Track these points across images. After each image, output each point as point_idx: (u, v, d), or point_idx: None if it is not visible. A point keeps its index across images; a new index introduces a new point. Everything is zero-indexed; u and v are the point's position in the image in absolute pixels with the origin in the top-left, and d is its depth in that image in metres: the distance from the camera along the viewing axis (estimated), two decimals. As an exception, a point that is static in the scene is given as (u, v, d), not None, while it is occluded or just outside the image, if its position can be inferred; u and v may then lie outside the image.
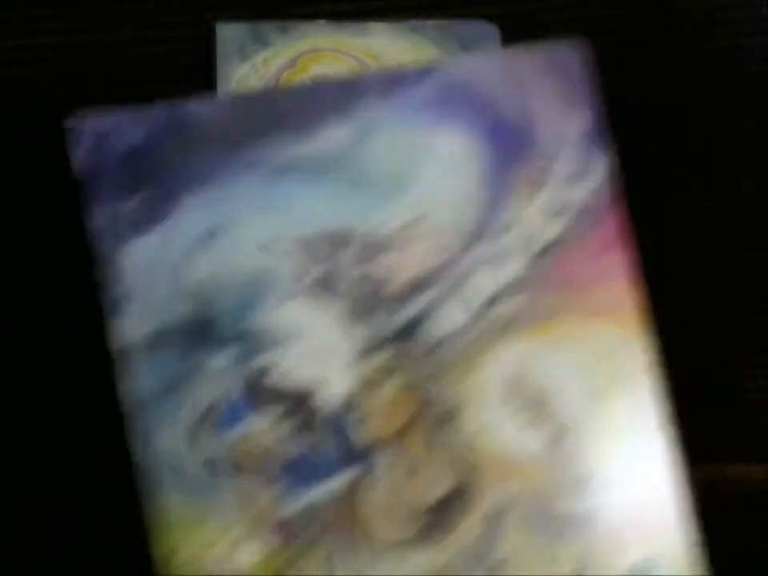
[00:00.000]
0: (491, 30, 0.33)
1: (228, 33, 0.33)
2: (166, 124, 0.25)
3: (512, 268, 0.25)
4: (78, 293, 0.34)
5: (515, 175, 0.25)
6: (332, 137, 0.25)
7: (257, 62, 0.33)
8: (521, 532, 0.24)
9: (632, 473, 0.24)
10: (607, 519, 0.24)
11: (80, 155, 0.24)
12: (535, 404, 0.24)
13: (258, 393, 0.24)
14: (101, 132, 0.25)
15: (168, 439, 0.24)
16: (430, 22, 0.33)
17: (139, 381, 0.24)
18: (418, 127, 0.25)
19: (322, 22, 0.33)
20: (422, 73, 0.25)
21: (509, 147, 0.25)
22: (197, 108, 0.25)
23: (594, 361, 0.24)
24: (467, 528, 0.24)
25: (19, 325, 0.34)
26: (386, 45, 0.33)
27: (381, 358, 0.24)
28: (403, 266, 0.24)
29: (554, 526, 0.24)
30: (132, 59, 0.33)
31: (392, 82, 0.25)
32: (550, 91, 0.25)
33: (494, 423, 0.24)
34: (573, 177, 0.25)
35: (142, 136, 0.24)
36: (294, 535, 0.24)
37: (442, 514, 0.24)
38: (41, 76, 0.33)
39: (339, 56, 0.33)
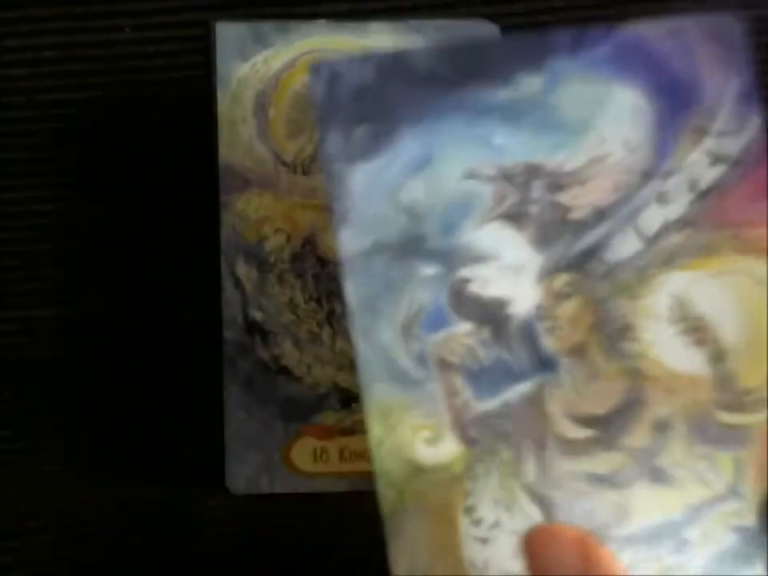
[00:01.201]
0: (491, 30, 0.33)
1: (228, 33, 0.33)
2: (391, 67, 0.28)
3: (677, 206, 0.28)
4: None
5: (681, 126, 0.28)
6: (527, 84, 0.28)
7: (257, 62, 0.33)
8: (684, 442, 0.27)
9: None
10: (763, 436, 0.27)
11: (318, 91, 0.28)
12: (697, 327, 0.27)
13: (460, 300, 0.27)
14: (336, 72, 0.28)
15: (385, 335, 0.27)
16: (429, 22, 0.33)
17: (360, 284, 0.27)
18: (599, 80, 0.28)
19: (322, 21, 0.33)
20: (603, 33, 0.28)
21: (676, 101, 0.28)
22: (416, 54, 0.28)
23: (747, 292, 0.27)
24: (638, 434, 0.27)
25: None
26: (386, 45, 0.33)
27: (564, 277, 0.28)
28: (585, 197, 0.28)
29: (715, 436, 0.27)
30: (132, 59, 0.33)
31: (577, 40, 0.28)
32: (711, 55, 0.28)
33: (661, 340, 0.27)
34: (730, 131, 0.28)
35: (371, 76, 0.28)
36: (490, 428, 0.27)
37: (617, 419, 0.27)
38: (41, 76, 0.33)
39: (339, 56, 0.33)
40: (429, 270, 0.27)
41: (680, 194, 0.28)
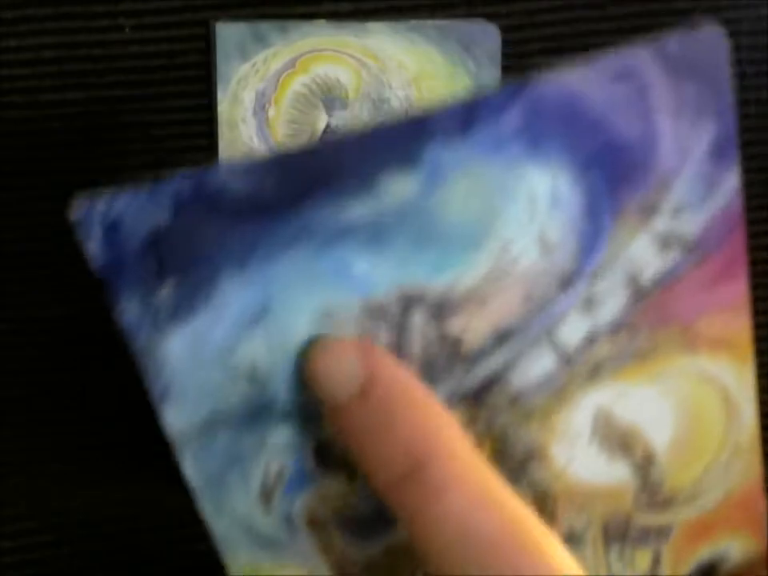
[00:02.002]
0: (491, 30, 0.33)
1: (228, 33, 0.33)
2: (193, 198, 0.20)
3: (608, 309, 0.22)
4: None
5: (622, 204, 0.22)
6: (395, 190, 0.21)
7: (257, 62, 0.33)
8: (597, 546, 0.24)
9: (717, 491, 0.24)
10: (685, 528, 0.24)
11: (94, 248, 0.21)
12: (623, 439, 0.23)
13: (327, 455, 0.23)
14: (114, 217, 0.21)
15: (240, 506, 0.23)
16: (429, 22, 0.33)
17: (201, 462, 0.22)
18: (503, 164, 0.21)
19: (322, 21, 0.33)
20: (508, 96, 0.21)
21: (617, 171, 0.21)
22: (227, 174, 0.20)
23: (688, 393, 0.23)
24: None
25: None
26: (385, 45, 0.33)
27: (459, 412, 0.22)
28: (484, 320, 0.22)
29: (634, 538, 0.24)
30: (132, 59, 0.33)
31: (468, 114, 0.21)
32: (679, 94, 0.21)
33: (579, 458, 0.23)
34: (691, 203, 0.22)
35: (165, 215, 0.21)
36: (375, 570, 0.23)
37: None
38: (41, 76, 0.33)
39: (339, 56, 0.33)
40: (284, 435, 0.22)
41: (613, 295, 0.22)
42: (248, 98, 0.33)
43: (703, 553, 0.25)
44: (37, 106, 0.33)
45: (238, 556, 0.23)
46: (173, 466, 0.34)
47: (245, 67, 0.33)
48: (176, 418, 0.22)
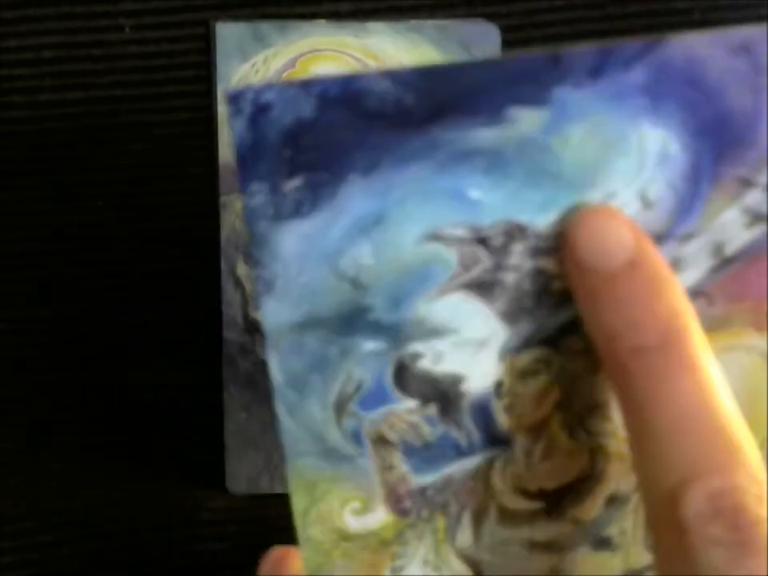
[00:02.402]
0: (491, 30, 0.33)
1: (228, 33, 0.33)
2: (339, 97, 0.22)
3: (692, 274, 0.23)
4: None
5: (721, 174, 0.23)
6: (523, 122, 0.22)
7: (257, 62, 0.33)
8: (637, 513, 0.24)
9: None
10: None
11: (237, 129, 0.22)
12: None
13: (407, 377, 0.23)
14: (263, 103, 0.22)
15: (314, 412, 0.23)
16: (429, 22, 0.33)
17: (287, 361, 0.23)
18: (621, 116, 0.22)
19: (322, 21, 0.33)
20: (639, 51, 0.22)
21: (723, 141, 0.22)
22: (373, 81, 0.22)
23: (752, 371, 0.24)
24: (588, 507, 0.24)
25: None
26: (385, 45, 0.33)
27: (534, 353, 0.23)
28: None
29: None
30: (132, 59, 0.33)
31: (601, 63, 0.22)
32: None
33: None
34: None
35: (311, 110, 0.22)
36: (426, 500, 0.24)
37: (569, 494, 0.24)
38: (41, 76, 0.33)
39: (339, 56, 0.33)
40: (371, 345, 0.23)
41: (698, 261, 0.23)
42: (248, 97, 0.33)
43: None
44: (37, 105, 0.33)
45: (299, 463, 0.24)
46: (173, 466, 0.34)
47: (245, 67, 0.33)
48: (274, 313, 0.23)
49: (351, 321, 0.23)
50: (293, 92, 0.22)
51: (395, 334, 0.23)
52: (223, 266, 0.33)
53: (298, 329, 0.23)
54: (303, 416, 0.23)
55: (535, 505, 0.24)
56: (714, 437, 0.21)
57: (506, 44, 0.34)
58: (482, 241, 0.23)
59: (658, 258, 0.22)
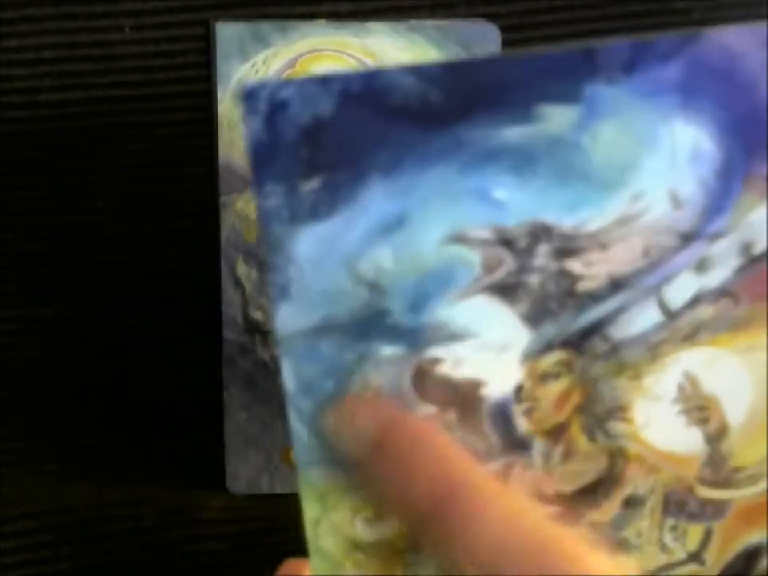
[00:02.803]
0: (491, 30, 0.33)
1: (228, 33, 0.33)
2: (360, 93, 0.21)
3: (718, 274, 0.23)
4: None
5: (752, 172, 0.22)
6: (551, 120, 0.21)
7: (257, 62, 0.33)
8: (655, 516, 0.24)
9: None
10: (740, 509, 0.24)
11: (253, 127, 0.21)
12: (703, 406, 0.24)
13: (425, 382, 0.23)
14: (280, 100, 0.21)
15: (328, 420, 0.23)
16: (429, 22, 0.33)
17: (301, 367, 0.22)
18: (654, 113, 0.21)
19: (322, 21, 0.33)
20: (674, 46, 0.21)
21: (754, 138, 0.22)
22: (396, 76, 0.21)
23: None
24: (606, 510, 0.24)
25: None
26: (385, 45, 0.33)
27: (556, 356, 0.23)
28: (604, 265, 0.23)
29: (691, 511, 0.24)
30: (132, 59, 0.33)
31: (636, 57, 0.21)
32: None
33: (657, 421, 0.24)
34: None
35: (330, 107, 0.21)
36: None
37: (586, 497, 0.24)
38: (41, 76, 0.33)
39: (339, 56, 0.33)
40: (389, 350, 0.22)
41: (726, 261, 0.23)
42: (248, 97, 0.33)
43: (753, 537, 0.25)
44: (37, 105, 0.33)
45: (311, 472, 0.23)
46: (173, 466, 0.34)
47: (245, 67, 0.33)
48: (288, 319, 0.22)
49: (369, 325, 0.22)
50: (312, 88, 0.21)
51: (414, 338, 0.22)
52: (223, 266, 0.33)
53: (312, 334, 0.22)
54: (316, 424, 0.23)
55: (552, 509, 0.24)
56: (537, 552, 0.21)
57: (506, 44, 0.34)
58: (507, 242, 0.22)
59: (409, 429, 0.22)
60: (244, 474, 0.33)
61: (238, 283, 0.33)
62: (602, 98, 0.21)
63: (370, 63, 0.33)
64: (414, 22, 0.33)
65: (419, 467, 0.22)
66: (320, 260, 0.22)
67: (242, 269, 0.33)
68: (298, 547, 0.32)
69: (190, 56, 0.33)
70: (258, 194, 0.21)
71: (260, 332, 0.33)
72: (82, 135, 0.33)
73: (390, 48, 0.33)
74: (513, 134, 0.21)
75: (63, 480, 0.34)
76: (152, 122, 0.33)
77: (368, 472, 0.22)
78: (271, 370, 0.33)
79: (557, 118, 0.21)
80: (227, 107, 0.33)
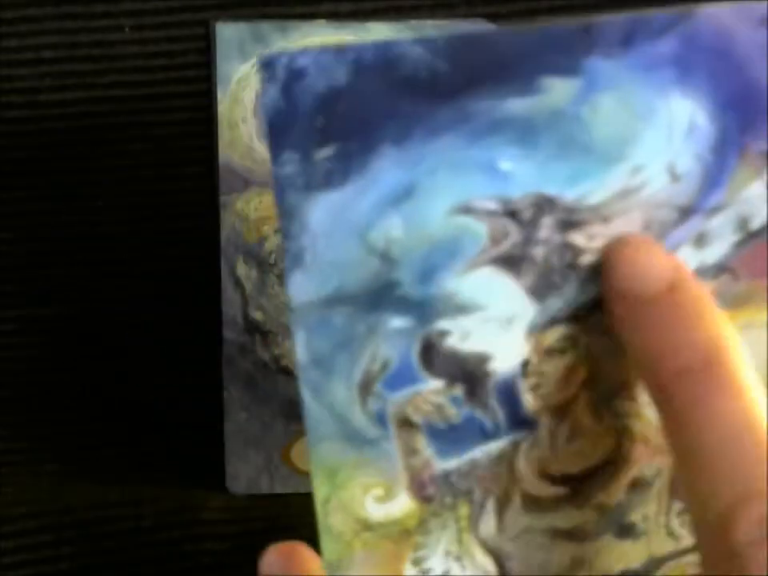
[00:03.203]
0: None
1: (228, 33, 0.33)
2: (372, 64, 0.21)
3: (716, 249, 0.23)
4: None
5: (747, 147, 0.23)
6: (553, 93, 0.22)
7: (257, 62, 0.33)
8: (661, 499, 0.24)
9: None
10: None
11: (271, 94, 0.21)
12: None
13: (433, 356, 0.23)
14: (297, 69, 0.21)
15: (338, 393, 0.23)
16: (429, 22, 0.33)
17: (313, 338, 0.23)
18: (651, 87, 0.22)
19: (322, 21, 0.33)
20: (669, 21, 0.22)
21: (748, 114, 0.23)
22: (407, 48, 0.21)
23: None
24: (612, 492, 0.24)
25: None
26: (385, 45, 0.33)
27: (560, 330, 0.23)
28: (605, 237, 0.23)
29: None
30: (132, 59, 0.33)
31: (630, 31, 0.22)
32: None
33: None
34: None
35: (345, 76, 0.21)
36: (450, 486, 0.24)
37: (593, 478, 0.24)
38: (41, 76, 0.33)
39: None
40: (398, 322, 0.23)
41: (724, 235, 0.23)
42: (248, 98, 0.33)
43: None
44: (37, 105, 0.33)
45: (322, 447, 0.23)
46: (173, 466, 0.34)
47: (245, 67, 0.33)
48: (301, 289, 0.22)
49: (379, 296, 0.23)
50: (327, 58, 0.21)
51: (423, 310, 0.23)
52: (223, 266, 0.33)
53: (325, 305, 0.23)
54: (327, 397, 0.23)
55: (559, 490, 0.24)
56: (758, 460, 0.21)
57: (506, 44, 0.34)
58: (512, 214, 0.23)
59: (696, 283, 0.23)
60: (244, 474, 0.33)
61: (238, 283, 0.33)
62: (601, 72, 0.22)
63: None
64: (413, 22, 0.33)
65: (702, 320, 0.22)
66: (332, 229, 0.22)
67: (241, 269, 0.33)
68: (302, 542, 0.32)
69: (189, 56, 0.33)
70: (273, 162, 0.22)
71: (260, 332, 0.33)
72: (82, 135, 0.33)
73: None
74: (516, 105, 0.22)
75: (63, 480, 0.34)
76: (152, 122, 0.33)
77: (646, 315, 0.22)
78: (271, 370, 0.33)
79: (557, 90, 0.22)
80: (227, 107, 0.33)
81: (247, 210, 0.33)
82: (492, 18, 0.34)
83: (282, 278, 0.33)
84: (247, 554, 0.34)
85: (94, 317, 0.34)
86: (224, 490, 0.33)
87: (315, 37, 0.33)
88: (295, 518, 0.34)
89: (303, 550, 0.27)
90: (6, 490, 0.34)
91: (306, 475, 0.33)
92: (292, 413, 0.33)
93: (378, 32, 0.33)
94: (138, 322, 0.34)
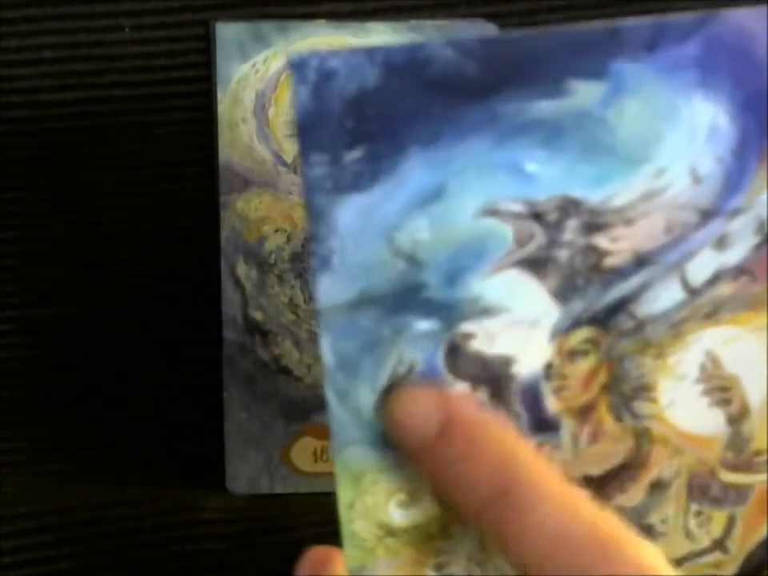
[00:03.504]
0: (491, 30, 0.34)
1: (228, 33, 0.33)
2: (402, 66, 0.22)
3: (736, 251, 0.23)
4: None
5: (766, 150, 0.23)
6: (579, 96, 0.22)
7: (257, 62, 0.33)
8: (680, 500, 0.25)
9: None
10: (762, 494, 0.25)
11: (302, 95, 0.21)
12: (725, 386, 0.24)
13: (459, 358, 0.23)
14: (327, 70, 0.21)
15: (364, 397, 0.23)
16: (429, 22, 0.33)
17: (340, 341, 0.23)
18: (674, 89, 0.22)
19: (322, 21, 0.33)
20: (693, 24, 0.22)
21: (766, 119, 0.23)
22: (436, 51, 0.22)
23: None
24: (632, 494, 0.24)
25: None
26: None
27: (583, 333, 0.24)
28: (628, 240, 0.23)
29: (714, 496, 0.25)
30: (132, 59, 0.33)
31: (658, 35, 0.22)
32: None
33: (681, 401, 0.24)
34: None
35: (374, 78, 0.22)
36: None
37: (613, 480, 0.24)
38: (41, 76, 0.33)
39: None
40: (424, 324, 0.23)
41: (743, 238, 0.23)
42: (248, 97, 0.33)
43: None
44: (37, 105, 0.33)
45: (346, 452, 0.23)
46: (173, 466, 0.34)
47: (245, 67, 0.33)
48: (329, 291, 0.23)
49: (405, 299, 0.23)
50: (358, 60, 0.22)
51: (448, 313, 0.23)
52: (223, 266, 0.33)
53: (351, 308, 0.23)
54: (353, 401, 0.23)
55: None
56: (591, 545, 0.21)
57: (506, 44, 0.34)
58: (537, 216, 0.23)
59: (473, 418, 0.23)
60: (244, 474, 0.33)
61: (237, 283, 0.33)
62: (626, 75, 0.22)
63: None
64: (413, 22, 0.33)
65: (483, 452, 0.22)
66: (360, 231, 0.22)
67: (241, 269, 0.33)
68: (298, 547, 0.32)
69: (189, 56, 0.33)
70: (303, 164, 0.22)
71: (260, 332, 0.33)
72: (82, 135, 0.33)
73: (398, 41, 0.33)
74: (543, 108, 0.22)
75: (63, 480, 0.34)
76: (152, 122, 0.33)
77: (427, 460, 0.23)
78: (271, 370, 0.33)
79: (584, 92, 0.22)
80: (227, 107, 0.33)
81: (247, 210, 0.33)
82: (492, 17, 0.34)
83: (281, 278, 0.33)
84: (247, 554, 0.34)
85: (94, 317, 0.34)
86: (224, 490, 0.33)
87: (315, 37, 0.33)
88: (295, 518, 0.34)
89: (338, 555, 0.27)
90: (6, 489, 0.34)
91: (305, 475, 0.33)
92: (292, 413, 0.33)
93: (378, 32, 0.33)
94: (138, 322, 0.34)
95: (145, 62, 0.33)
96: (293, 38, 0.33)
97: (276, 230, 0.33)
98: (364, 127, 0.22)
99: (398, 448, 0.23)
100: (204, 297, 0.33)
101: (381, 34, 0.33)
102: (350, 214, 0.22)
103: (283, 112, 0.33)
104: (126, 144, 0.33)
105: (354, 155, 0.22)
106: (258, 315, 0.33)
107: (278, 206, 0.33)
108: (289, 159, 0.33)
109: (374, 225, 0.22)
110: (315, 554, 0.27)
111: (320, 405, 0.33)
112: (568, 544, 0.21)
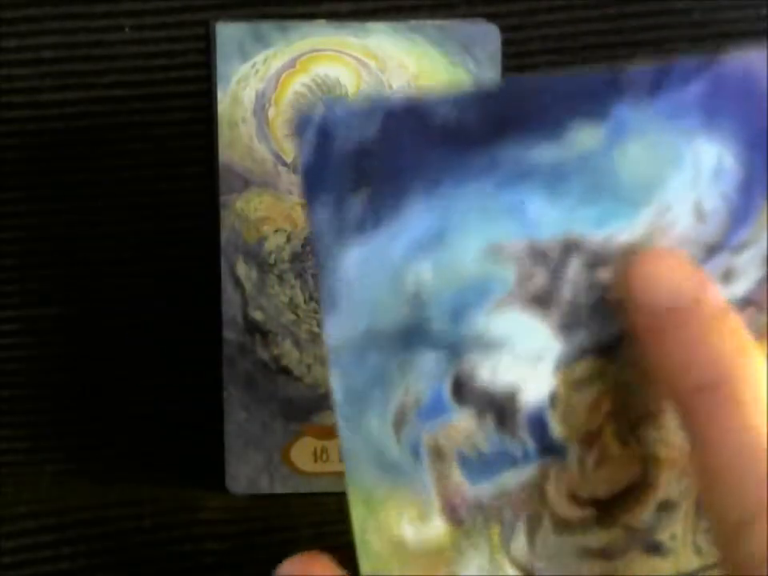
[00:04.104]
0: (491, 30, 0.33)
1: (228, 33, 0.33)
2: (402, 117, 0.22)
3: (744, 283, 0.24)
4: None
5: None
6: (581, 140, 0.22)
7: (257, 62, 0.33)
8: (688, 519, 0.25)
9: None
10: None
11: (305, 152, 0.22)
12: None
13: (464, 389, 0.24)
14: (329, 129, 0.22)
15: (374, 426, 0.24)
16: (429, 22, 0.33)
17: (348, 376, 0.23)
18: (678, 132, 0.22)
19: (322, 21, 0.33)
20: (697, 68, 0.22)
21: None
22: (436, 102, 0.22)
23: None
24: (640, 514, 0.25)
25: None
26: (385, 45, 0.33)
27: (588, 363, 0.24)
28: None
29: None
30: (132, 59, 0.33)
31: (660, 79, 0.22)
32: None
33: None
34: None
35: (375, 129, 0.22)
36: (481, 510, 0.24)
37: (621, 501, 0.25)
38: (41, 76, 0.33)
39: (339, 56, 0.33)
40: (430, 359, 0.23)
41: (749, 270, 0.24)
42: (248, 97, 0.33)
43: None
44: (37, 106, 0.33)
45: (359, 475, 0.24)
46: (173, 466, 0.34)
47: (245, 67, 0.33)
48: (336, 330, 0.23)
49: (410, 335, 0.23)
50: (357, 113, 0.22)
51: (453, 347, 0.23)
52: (223, 266, 0.33)
53: (358, 344, 0.23)
54: (363, 431, 0.24)
55: (588, 513, 0.24)
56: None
57: (506, 44, 0.34)
58: (540, 255, 0.23)
59: (719, 299, 0.23)
60: (244, 474, 0.33)
61: (237, 283, 0.33)
62: (628, 119, 0.22)
63: (371, 63, 0.33)
64: (413, 22, 0.33)
65: (721, 338, 0.22)
66: (366, 273, 0.23)
67: (241, 269, 0.33)
68: (298, 547, 0.32)
69: (189, 56, 0.33)
70: (310, 212, 0.22)
71: (260, 332, 0.33)
72: (82, 135, 0.33)
73: (390, 48, 0.33)
74: (544, 152, 0.22)
75: (63, 480, 0.34)
76: (152, 121, 0.33)
77: (670, 325, 0.22)
78: (272, 370, 0.33)
79: (585, 137, 0.22)
80: (227, 107, 0.33)
81: (247, 210, 0.33)
82: (492, 17, 0.34)
83: (281, 278, 0.33)
84: (247, 554, 0.34)
85: (94, 317, 0.34)
86: (224, 490, 0.33)
87: (315, 37, 0.33)
88: (295, 518, 0.34)
89: (323, 560, 0.27)
90: (6, 489, 0.34)
91: (305, 475, 0.33)
92: (292, 413, 0.33)
93: (378, 32, 0.33)
94: (138, 322, 0.34)
95: (145, 62, 0.33)
96: (293, 38, 0.33)
97: (276, 230, 0.33)
98: (366, 176, 0.22)
99: (636, 312, 0.23)
100: (204, 297, 0.33)
101: (381, 34, 0.33)
102: (354, 259, 0.23)
103: (283, 112, 0.33)
104: (126, 144, 0.33)
105: (356, 201, 0.22)
106: (258, 315, 0.33)
107: (278, 206, 0.33)
108: (289, 159, 0.33)
109: (379, 268, 0.23)
110: (297, 559, 0.27)
111: (320, 405, 0.33)
112: (749, 466, 0.21)
